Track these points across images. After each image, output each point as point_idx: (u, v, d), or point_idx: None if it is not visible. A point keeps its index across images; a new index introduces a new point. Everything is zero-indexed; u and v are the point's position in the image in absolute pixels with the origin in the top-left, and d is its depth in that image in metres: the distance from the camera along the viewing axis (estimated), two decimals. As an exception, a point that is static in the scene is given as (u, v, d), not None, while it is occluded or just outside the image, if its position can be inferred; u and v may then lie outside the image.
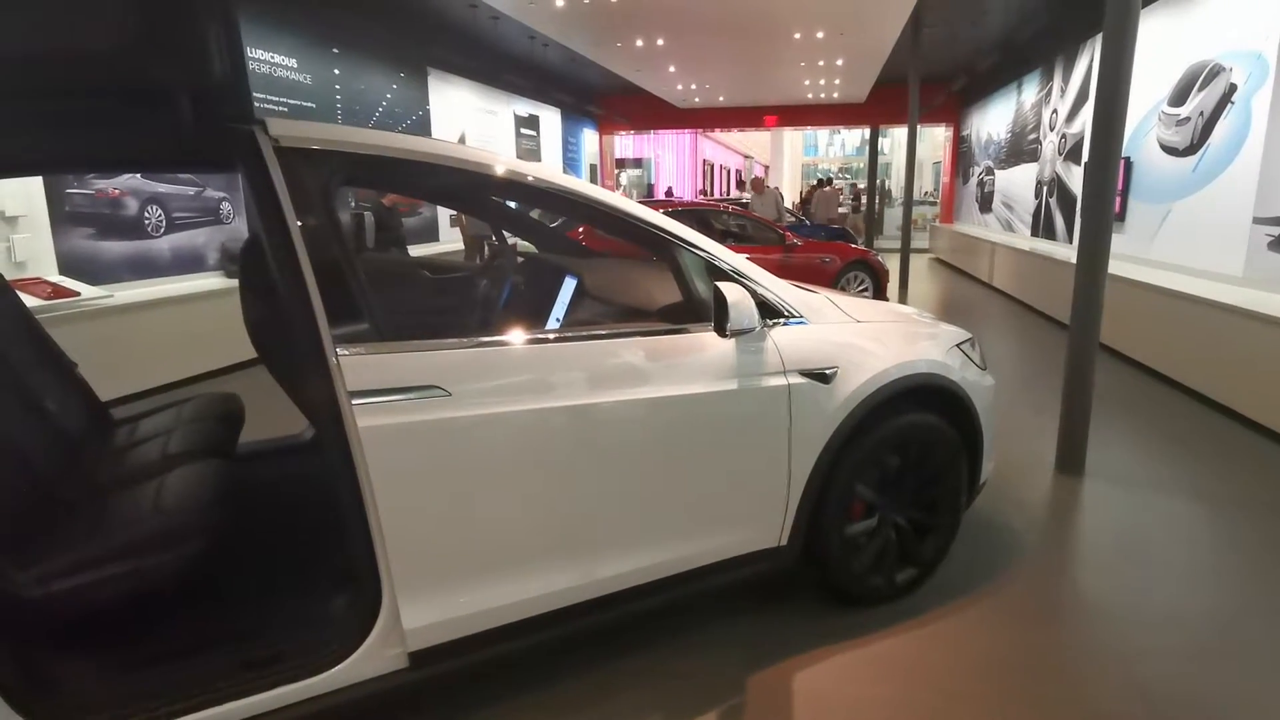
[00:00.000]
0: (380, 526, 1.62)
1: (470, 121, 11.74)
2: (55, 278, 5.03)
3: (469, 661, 1.80)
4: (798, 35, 9.38)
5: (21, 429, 2.01)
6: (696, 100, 16.14)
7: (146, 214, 5.93)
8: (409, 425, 1.63)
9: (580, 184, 2.07)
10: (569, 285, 2.59)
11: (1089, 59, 8.38)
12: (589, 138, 17.75)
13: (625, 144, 21.16)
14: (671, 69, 12.03)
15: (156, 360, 5.18)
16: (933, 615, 2.39)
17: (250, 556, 2.15)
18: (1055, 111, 9.49)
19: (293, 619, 1.85)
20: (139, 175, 5.83)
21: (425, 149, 1.87)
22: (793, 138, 34.22)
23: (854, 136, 38.31)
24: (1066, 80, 9.12)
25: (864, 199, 18.21)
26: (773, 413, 2.09)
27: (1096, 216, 3.42)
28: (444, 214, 10.67)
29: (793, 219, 13.65)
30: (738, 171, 33.65)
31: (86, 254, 5.45)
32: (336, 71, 8.48)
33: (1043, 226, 9.90)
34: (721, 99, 16.19)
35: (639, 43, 9.90)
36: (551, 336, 1.96)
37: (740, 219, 8.45)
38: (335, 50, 8.41)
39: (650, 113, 17.03)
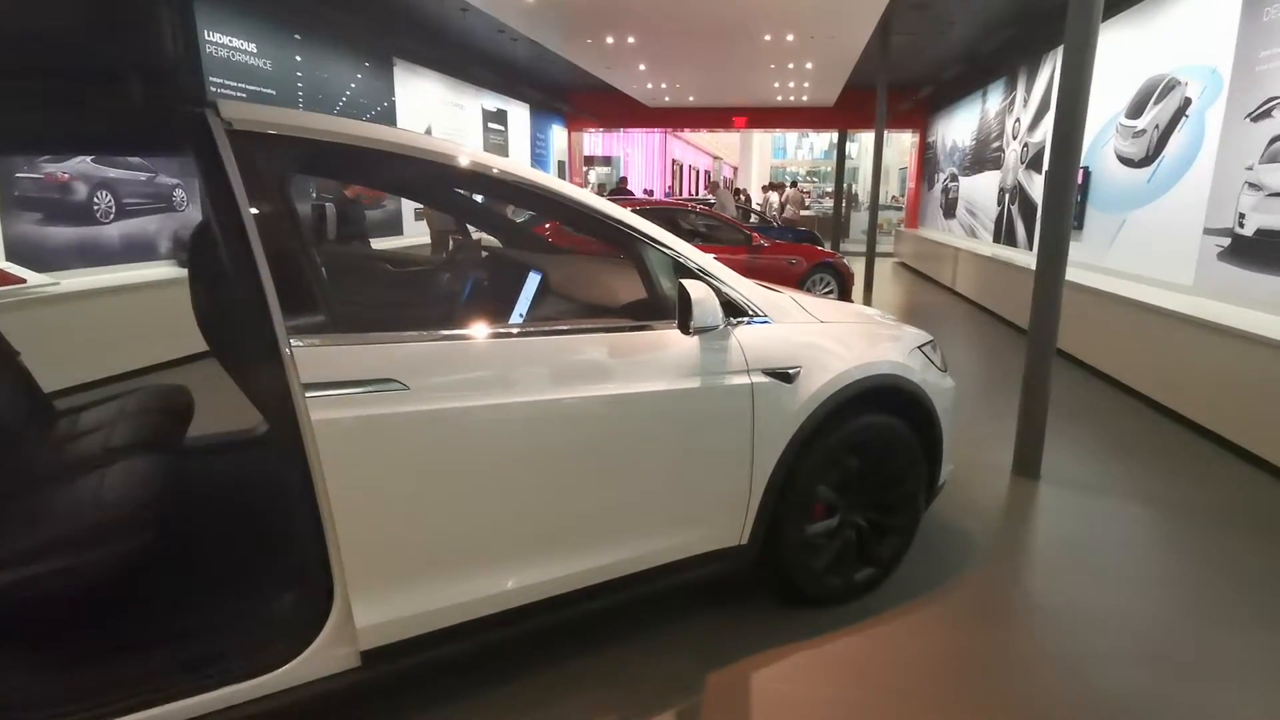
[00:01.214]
0: (333, 522, 1.58)
1: (437, 114, 11.56)
2: (1, 264, 4.83)
3: (421, 661, 1.75)
4: (768, 37, 9.43)
5: None
6: (666, 99, 16.14)
7: (96, 199, 5.70)
8: (363, 419, 1.58)
9: (547, 178, 2.04)
10: (533, 281, 2.55)
11: (1050, 70, 8.58)
12: (558, 134, 17.64)
13: (594, 141, 21.08)
14: (642, 67, 12.01)
15: (105, 350, 4.99)
16: (888, 615, 2.40)
17: (195, 553, 2.09)
18: (1018, 120, 9.70)
19: (239, 617, 1.79)
20: (89, 160, 5.61)
21: (388, 138, 1.81)
22: (762, 140, 34.49)
23: (822, 140, 38.76)
24: (1029, 90, 9.33)
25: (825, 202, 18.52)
26: (735, 411, 2.08)
27: (1055, 224, 3.49)
28: (409, 207, 10.49)
29: (757, 219, 13.76)
30: (706, 172, 33.81)
31: (34, 240, 5.24)
32: (298, 58, 8.27)
33: (1004, 233, 10.12)
34: (691, 99, 16.21)
35: (609, 40, 9.85)
36: (514, 331, 1.92)
37: (708, 219, 8.46)
38: (297, 36, 8.21)
39: (620, 111, 16.99)
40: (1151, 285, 5.78)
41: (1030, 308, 3.62)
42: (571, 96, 16.70)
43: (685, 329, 1.94)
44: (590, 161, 20.79)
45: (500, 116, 14.05)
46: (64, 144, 3.33)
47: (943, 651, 2.24)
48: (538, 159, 16.10)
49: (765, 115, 17.60)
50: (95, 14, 1.44)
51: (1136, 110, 6.44)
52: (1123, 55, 6.77)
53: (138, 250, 6.11)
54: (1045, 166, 3.52)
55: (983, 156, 11.36)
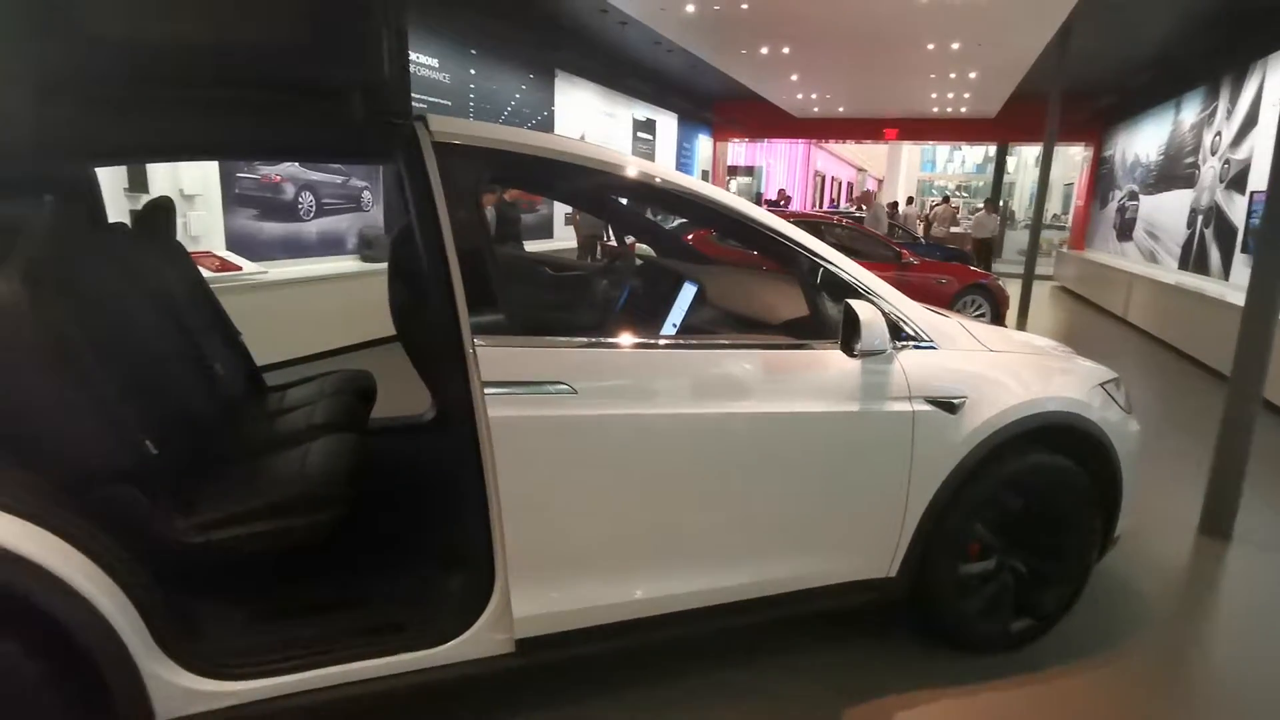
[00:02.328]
0: (500, 514, 1.69)
1: (590, 123, 12.02)
2: (222, 253, 5.56)
3: (571, 655, 1.85)
4: (931, 46, 9.04)
5: (194, 389, 2.21)
6: (815, 110, 15.85)
7: (300, 199, 6.45)
8: (536, 419, 1.69)
9: (717, 191, 2.10)
10: (690, 291, 2.62)
11: (1260, 79, 7.62)
12: (703, 143, 17.78)
13: (737, 151, 21.04)
14: (794, 77, 11.88)
15: (298, 333, 5.61)
16: (1047, 674, 2.25)
17: (376, 527, 2.27)
18: (1218, 135, 8.68)
19: (410, 591, 1.94)
20: (297, 163, 6.35)
21: (572, 150, 1.95)
22: (911, 152, 32.95)
23: (976, 153, 36.43)
24: (1233, 101, 8.32)
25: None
26: (894, 439, 2.04)
27: (1273, 253, 3.11)
28: (559, 212, 10.98)
29: (908, 235, 13.16)
30: (849, 184, 32.73)
31: (249, 233, 6.00)
32: (472, 71, 8.90)
33: (1194, 259, 9.08)
34: (841, 109, 15.82)
35: (764, 50, 9.84)
36: (674, 342, 1.99)
37: (853, 233, 8.23)
38: (473, 51, 8.84)
39: (766, 121, 16.86)
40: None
41: (1235, 345, 3.25)
42: (719, 106, 16.79)
43: (849, 351, 1.92)
44: (733, 171, 20.77)
45: (649, 126, 14.38)
46: (290, 151, 3.81)
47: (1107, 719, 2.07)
48: (682, 167, 16.33)
49: (918, 126, 16.86)
50: (326, 37, 1.61)
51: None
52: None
53: (330, 245, 6.83)
54: (1251, 185, 3.13)
55: (1171, 173, 10.26)
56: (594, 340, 1.84)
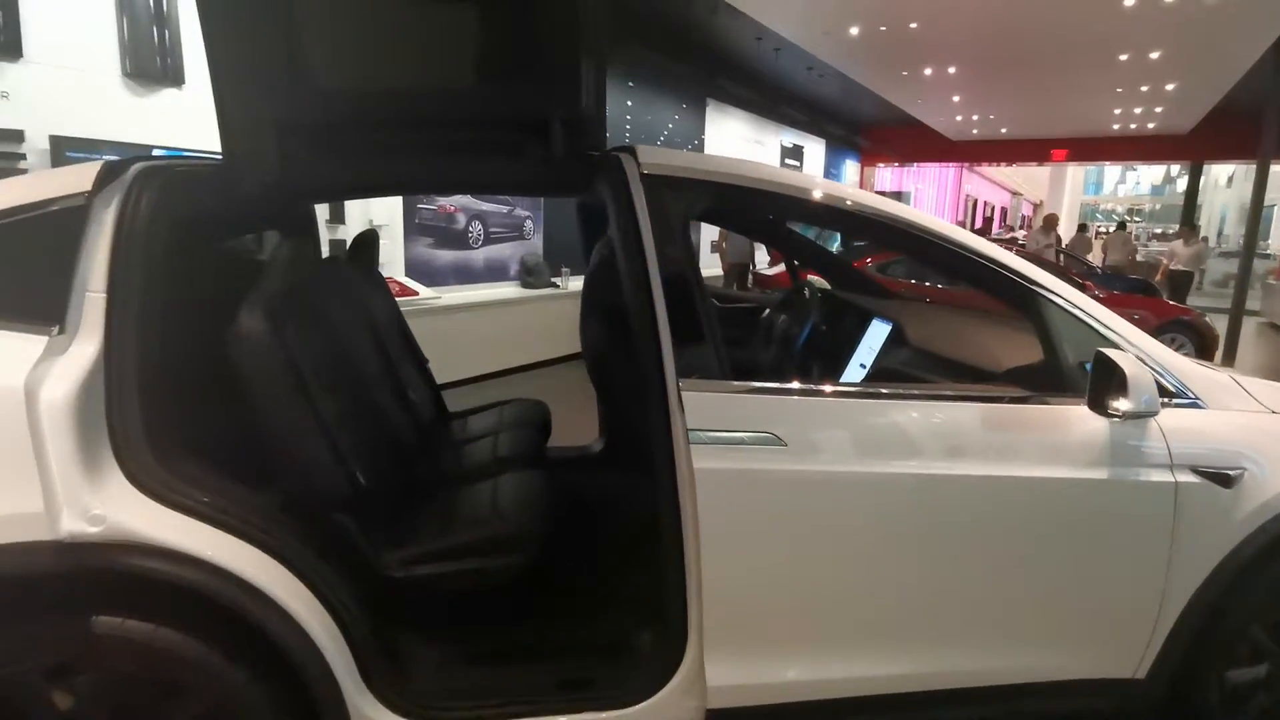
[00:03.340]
0: (698, 573, 1.58)
1: (739, 150, 11.99)
2: (402, 278, 5.97)
3: None
4: (1124, 57, 8.23)
5: (397, 418, 2.25)
6: (974, 132, 14.96)
7: (470, 228, 6.84)
8: (743, 473, 1.58)
9: (934, 221, 1.93)
10: (884, 330, 2.44)
11: None
12: (850, 168, 17.27)
13: (884, 176, 20.26)
14: (956, 99, 11.27)
15: (467, 355, 5.90)
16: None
17: (559, 571, 2.14)
18: None
19: (604, 645, 1.86)
20: (470, 195, 6.74)
21: (792, 181, 1.86)
22: (1074, 174, 30.33)
23: (1153, 173, 32.92)
24: None
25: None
26: (1151, 515, 1.75)
27: None
28: (705, 240, 10.97)
29: (1081, 265, 11.97)
30: (1003, 209, 30.58)
31: (424, 259, 6.41)
32: (629, 103, 9.14)
33: None
34: (1004, 130, 14.83)
35: (927, 71, 9.40)
36: (894, 390, 1.82)
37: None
38: (630, 84, 9.08)
39: (918, 144, 16.14)
40: None
41: None
42: (868, 131, 16.28)
43: (1102, 409, 1.68)
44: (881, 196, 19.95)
45: (796, 152, 14.16)
46: (495, 187, 3.83)
47: None
48: (826, 193, 15.92)
49: (1091, 147, 15.49)
50: (532, 72, 1.63)
51: None
52: None
53: (495, 272, 7.19)
54: None
55: None
56: (805, 387, 1.73)
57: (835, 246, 7.31)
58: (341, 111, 1.66)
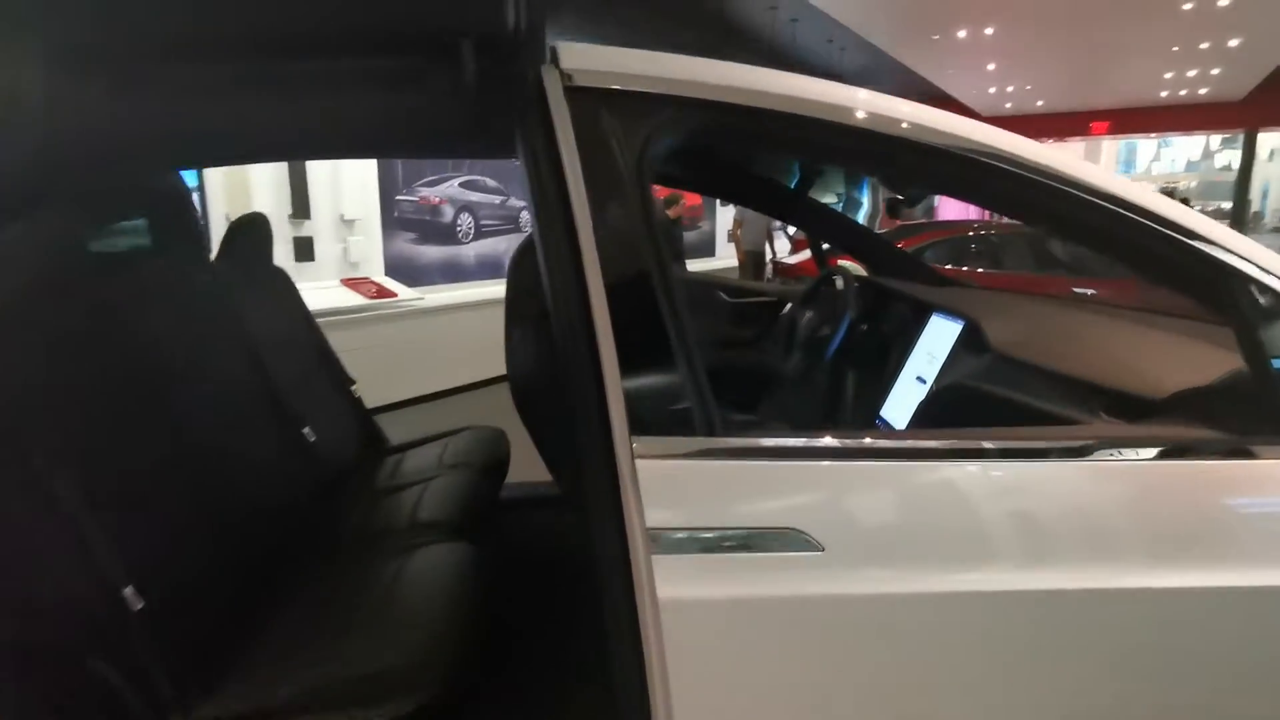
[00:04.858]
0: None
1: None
2: (380, 278, 5.36)
3: None
4: (1189, 6, 7.30)
5: (260, 470, 1.63)
6: (1007, 106, 14.03)
7: (459, 222, 6.20)
8: (752, 606, 0.95)
9: (1073, 165, 1.18)
10: (948, 331, 1.71)
11: None
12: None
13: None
14: (991, 66, 10.41)
15: (450, 363, 5.28)
16: None
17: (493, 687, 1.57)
18: None
19: None
20: (457, 184, 6.09)
21: (803, 92, 1.10)
22: (1109, 149, 28.83)
23: (1189, 148, 31.38)
24: None
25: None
26: None
27: None
28: (721, 228, 10.26)
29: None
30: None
31: (407, 256, 5.79)
32: (633, 81, 8.47)
33: None
34: (1040, 104, 13.88)
35: (961, 34, 8.57)
36: (993, 446, 1.03)
37: (1080, 245, 6.78)
38: (634, 59, 8.42)
39: (946, 121, 15.23)
40: None
41: None
42: (891, 108, 15.44)
43: None
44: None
45: (814, 132, 13.40)
46: (391, 143, 2.21)
47: None
48: (848, 176, 15.12)
49: (1135, 118, 14.49)
50: None
51: None
52: None
53: (488, 268, 6.54)
54: None
55: None
56: (851, 443, 1.03)
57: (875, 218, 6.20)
58: (144, 25, 1.07)
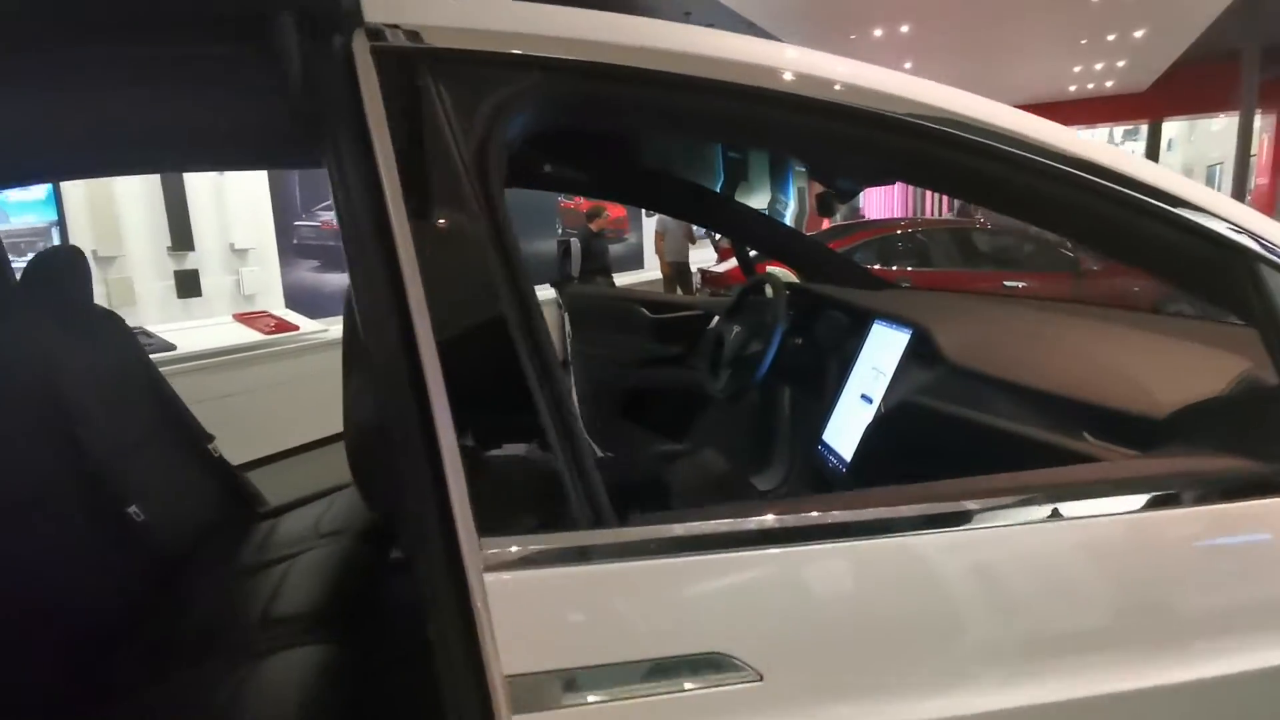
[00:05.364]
0: None
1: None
2: (280, 312, 4.95)
3: None
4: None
5: (51, 570, 1.36)
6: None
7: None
8: None
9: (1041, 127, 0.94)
10: (894, 342, 1.46)
11: None
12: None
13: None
14: (908, 65, 10.53)
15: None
16: None
17: None
18: None
19: None
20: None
21: (696, 46, 0.82)
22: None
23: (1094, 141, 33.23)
24: None
25: None
26: None
27: None
28: (649, 239, 10.04)
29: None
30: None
31: (310, 286, 5.39)
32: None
33: None
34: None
35: (877, 33, 8.60)
36: (960, 508, 0.77)
37: (1007, 238, 6.86)
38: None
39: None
40: None
41: None
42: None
43: None
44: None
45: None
46: (203, 155, 1.94)
47: None
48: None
49: (1044, 112, 14.54)
50: None
51: None
52: None
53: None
54: None
55: None
56: (792, 519, 0.75)
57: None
58: None
